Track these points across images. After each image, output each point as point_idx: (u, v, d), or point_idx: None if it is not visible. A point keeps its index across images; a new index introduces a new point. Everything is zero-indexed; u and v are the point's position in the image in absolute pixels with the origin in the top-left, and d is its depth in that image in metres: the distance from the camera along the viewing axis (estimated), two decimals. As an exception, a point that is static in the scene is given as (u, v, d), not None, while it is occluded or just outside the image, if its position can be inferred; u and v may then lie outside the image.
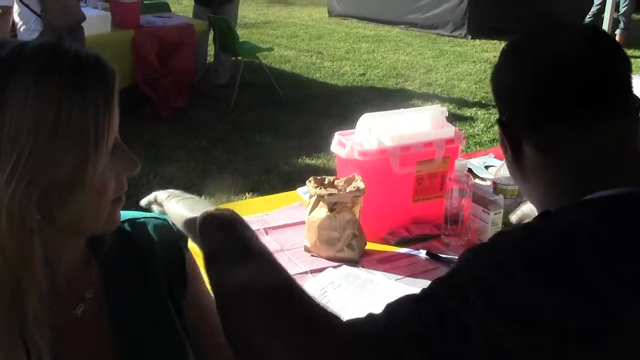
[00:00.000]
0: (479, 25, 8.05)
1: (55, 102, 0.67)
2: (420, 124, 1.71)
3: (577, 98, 0.77)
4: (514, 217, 1.47)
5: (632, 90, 0.80)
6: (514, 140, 0.82)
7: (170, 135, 4.63)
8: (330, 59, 7.20)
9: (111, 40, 4.60)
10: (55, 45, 0.70)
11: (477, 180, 1.83)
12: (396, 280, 1.45)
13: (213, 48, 5.91)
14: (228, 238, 0.81)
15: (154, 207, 0.98)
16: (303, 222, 1.58)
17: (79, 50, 0.71)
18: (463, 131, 2.76)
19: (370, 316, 0.72)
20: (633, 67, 0.82)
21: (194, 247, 1.54)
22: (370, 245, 1.57)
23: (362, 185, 1.51)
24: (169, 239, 0.91)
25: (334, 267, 1.49)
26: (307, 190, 1.56)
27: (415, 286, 1.41)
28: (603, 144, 0.77)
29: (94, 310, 0.82)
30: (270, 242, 1.60)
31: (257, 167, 4.15)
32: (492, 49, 7.62)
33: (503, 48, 0.86)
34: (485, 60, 7.10)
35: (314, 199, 1.53)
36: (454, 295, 0.68)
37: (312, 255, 1.54)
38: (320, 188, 1.52)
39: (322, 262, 1.51)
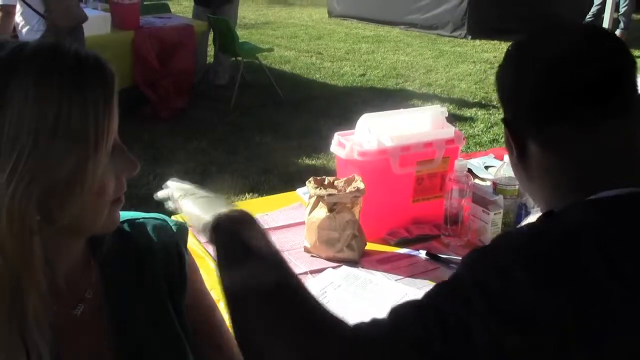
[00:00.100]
0: (478, 25, 8.05)
1: (55, 102, 0.67)
2: (420, 124, 1.71)
3: (578, 97, 0.77)
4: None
5: (637, 90, 0.80)
6: (519, 140, 0.82)
7: (170, 136, 4.63)
8: (330, 59, 7.20)
9: (111, 41, 4.61)
10: (55, 46, 0.71)
11: (477, 181, 1.83)
12: (396, 280, 1.45)
13: (213, 49, 5.92)
14: (231, 239, 0.81)
15: (169, 203, 0.97)
16: (303, 223, 1.58)
17: (78, 50, 0.71)
18: (463, 131, 2.76)
19: (374, 320, 0.72)
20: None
21: (193, 248, 1.55)
22: (370, 246, 1.57)
23: (361, 185, 1.51)
24: (168, 239, 0.91)
25: (334, 267, 1.49)
26: (307, 191, 1.56)
27: (415, 286, 1.41)
28: (608, 143, 0.77)
29: (93, 310, 0.82)
30: (270, 242, 1.60)
31: (257, 167, 4.15)
32: (492, 49, 7.62)
33: (507, 48, 0.87)
34: (485, 60, 7.10)
35: (313, 199, 1.53)
36: (456, 299, 0.68)
37: (311, 256, 1.54)
38: (320, 188, 1.52)
39: (321, 263, 1.51)
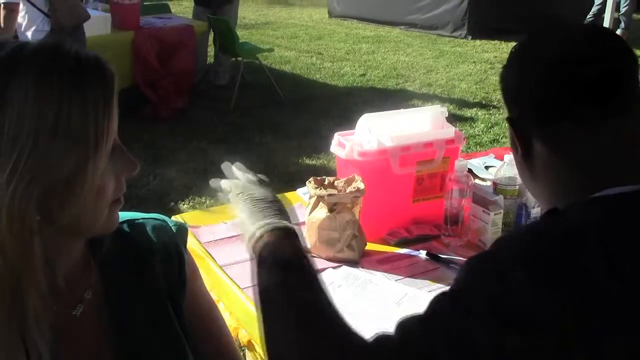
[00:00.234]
0: (479, 25, 8.05)
1: (55, 102, 0.67)
2: (420, 124, 1.71)
3: (580, 97, 0.78)
4: None
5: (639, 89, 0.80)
6: (523, 139, 0.83)
7: (170, 136, 4.63)
8: (330, 59, 7.20)
9: (111, 41, 4.61)
10: (55, 46, 0.71)
11: (477, 181, 1.83)
12: (396, 280, 1.45)
13: (213, 49, 5.92)
14: (268, 255, 0.82)
15: (221, 195, 0.96)
16: (303, 223, 1.58)
17: (78, 51, 0.71)
18: (463, 131, 2.77)
19: (383, 335, 0.73)
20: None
21: (193, 248, 1.55)
22: (370, 246, 1.57)
23: (362, 185, 1.51)
24: (168, 239, 0.90)
25: (334, 267, 1.49)
26: (307, 191, 1.56)
27: (416, 286, 1.41)
28: (610, 142, 0.77)
29: (93, 310, 0.82)
30: (270, 242, 1.60)
31: (257, 167, 4.09)
32: (492, 50, 7.62)
33: (511, 49, 0.87)
34: (486, 60, 7.10)
35: (313, 199, 1.53)
36: (457, 307, 0.69)
37: (312, 256, 1.54)
38: (320, 189, 1.52)
39: (322, 263, 1.51)
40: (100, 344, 0.82)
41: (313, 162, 4.27)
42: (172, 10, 6.31)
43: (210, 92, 5.72)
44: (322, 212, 1.51)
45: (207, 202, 3.61)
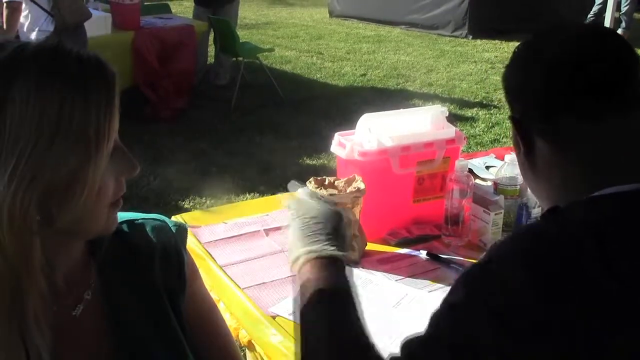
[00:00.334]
0: (479, 25, 8.05)
1: (57, 103, 0.67)
2: (420, 124, 1.71)
3: (582, 95, 0.78)
4: None
5: None
6: (526, 138, 0.83)
7: (170, 137, 4.63)
8: (330, 59, 7.20)
9: (111, 41, 4.61)
10: (56, 47, 0.71)
11: (477, 181, 1.82)
12: (396, 280, 1.44)
13: (213, 49, 5.92)
14: (308, 281, 0.84)
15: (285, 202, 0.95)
16: (303, 223, 1.58)
17: (80, 51, 0.71)
18: (464, 131, 2.75)
19: (392, 357, 0.74)
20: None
21: (193, 248, 1.55)
22: (370, 246, 1.57)
23: (362, 185, 1.50)
24: (168, 240, 0.90)
25: (334, 267, 1.49)
26: (307, 191, 1.56)
27: (416, 287, 1.41)
28: (612, 140, 0.78)
29: (92, 310, 0.82)
30: (270, 243, 1.60)
31: (257, 167, 4.15)
32: (493, 49, 7.62)
33: (515, 49, 0.88)
34: (486, 60, 7.10)
35: (314, 199, 1.52)
36: (460, 322, 0.70)
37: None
38: (321, 188, 1.52)
39: (322, 263, 1.51)
40: (100, 344, 0.82)
41: (313, 162, 4.27)
42: (173, 10, 6.31)
43: (210, 92, 5.72)
44: (322, 212, 1.50)
45: (207, 202, 3.61)
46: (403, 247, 1.59)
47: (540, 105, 0.81)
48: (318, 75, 6.53)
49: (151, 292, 0.87)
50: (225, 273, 1.46)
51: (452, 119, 2.86)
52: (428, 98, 5.75)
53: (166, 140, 4.55)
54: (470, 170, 1.75)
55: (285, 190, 1.95)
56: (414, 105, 5.25)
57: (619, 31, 7.78)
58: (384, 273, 1.47)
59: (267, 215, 1.74)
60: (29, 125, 0.66)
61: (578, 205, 0.75)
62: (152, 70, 4.81)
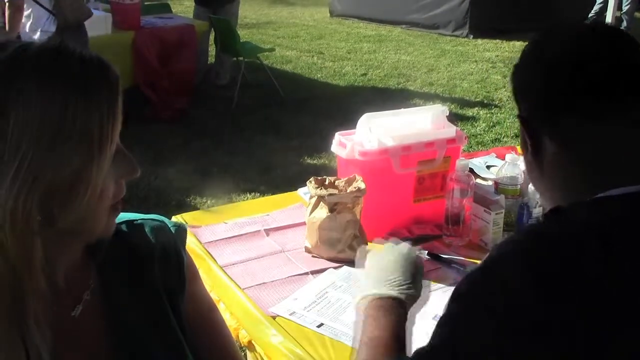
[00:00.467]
0: (480, 25, 8.04)
1: (59, 104, 0.67)
2: (421, 123, 1.71)
3: (589, 94, 0.77)
4: None
5: None
6: (534, 137, 0.82)
7: (170, 136, 4.63)
8: (331, 59, 7.20)
9: (112, 41, 4.61)
10: (58, 47, 0.70)
11: (478, 180, 1.82)
12: (397, 281, 1.44)
13: (214, 49, 5.91)
14: (364, 322, 0.90)
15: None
16: (304, 223, 1.58)
17: (82, 52, 0.71)
18: (465, 131, 2.74)
19: None
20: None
21: (193, 249, 1.55)
22: (371, 246, 1.56)
23: (362, 185, 1.50)
24: (167, 240, 0.90)
25: (335, 267, 1.49)
26: (308, 191, 1.56)
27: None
28: (618, 141, 0.77)
29: (92, 311, 0.82)
30: (271, 243, 1.60)
31: (257, 167, 4.14)
32: (493, 49, 7.61)
33: (523, 48, 0.87)
34: (487, 59, 7.09)
35: (314, 199, 1.52)
36: (462, 330, 0.70)
37: (312, 256, 1.53)
38: (321, 188, 1.52)
39: (322, 263, 1.50)
40: (100, 344, 0.81)
41: (314, 162, 4.26)
42: (173, 10, 6.31)
43: (211, 92, 5.71)
44: (322, 212, 1.50)
45: (208, 202, 3.61)
46: (404, 247, 1.58)
47: (543, 105, 0.81)
48: (319, 75, 6.52)
49: (150, 292, 0.87)
50: (226, 273, 1.46)
51: (453, 118, 2.86)
52: (429, 97, 5.74)
53: (166, 140, 4.55)
54: (471, 170, 1.75)
55: (286, 190, 1.95)
56: (415, 105, 5.25)
57: (620, 30, 7.77)
58: (385, 273, 1.47)
59: (268, 215, 1.73)
60: (32, 126, 0.66)
61: (581, 206, 0.75)
62: (152, 70, 4.81)
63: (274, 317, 1.30)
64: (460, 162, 1.59)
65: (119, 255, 0.85)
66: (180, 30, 5.06)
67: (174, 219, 1.65)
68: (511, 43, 7.70)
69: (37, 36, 3.63)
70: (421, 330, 0.97)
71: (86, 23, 3.93)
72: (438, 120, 1.71)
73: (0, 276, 0.66)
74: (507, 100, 5.61)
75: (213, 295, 1.34)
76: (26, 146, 0.65)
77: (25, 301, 0.67)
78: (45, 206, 0.68)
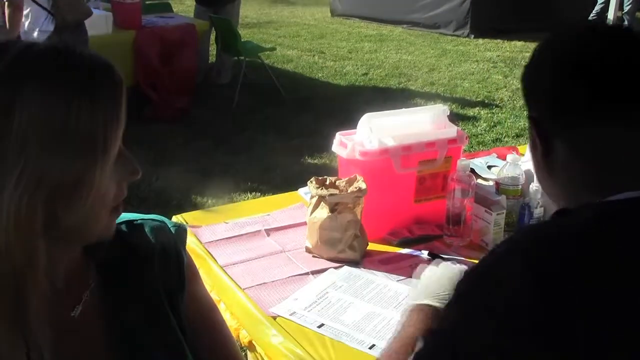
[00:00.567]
0: (481, 24, 8.04)
1: (64, 106, 0.67)
2: (422, 123, 1.70)
3: (601, 96, 0.76)
4: None
5: None
6: (545, 138, 0.82)
7: (171, 136, 4.62)
8: (332, 58, 7.19)
9: (112, 40, 4.61)
10: (63, 49, 0.70)
11: (479, 181, 1.82)
12: (398, 281, 1.44)
13: (215, 48, 5.91)
14: (402, 328, 0.96)
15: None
16: (304, 223, 1.58)
17: (87, 53, 0.71)
18: (465, 131, 2.72)
19: None
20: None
21: (193, 248, 1.55)
22: (371, 246, 1.57)
23: (363, 185, 1.50)
24: (167, 240, 0.90)
25: (335, 267, 1.49)
26: (309, 191, 1.56)
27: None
28: (630, 144, 0.76)
29: (91, 311, 0.81)
30: (271, 243, 1.60)
31: (258, 167, 4.14)
32: (494, 48, 7.60)
33: (534, 49, 0.87)
34: (488, 59, 7.09)
35: (315, 199, 1.52)
36: (461, 323, 0.70)
37: (313, 256, 1.53)
38: (322, 188, 1.52)
39: (323, 263, 1.50)
40: (99, 344, 0.81)
41: (314, 162, 4.26)
42: (174, 9, 6.31)
43: (211, 91, 5.71)
44: (323, 212, 1.50)
45: (208, 201, 3.60)
46: (404, 247, 1.58)
47: (554, 106, 0.80)
48: (320, 75, 6.52)
49: (150, 292, 0.86)
50: (226, 273, 1.46)
51: (454, 118, 2.86)
52: (430, 97, 5.74)
53: (167, 140, 4.54)
54: (472, 170, 1.74)
55: (287, 189, 1.95)
56: (416, 105, 5.24)
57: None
58: (386, 273, 1.47)
59: (269, 215, 1.73)
60: (36, 127, 0.65)
61: (587, 207, 0.74)
62: (153, 70, 4.81)
63: (274, 317, 1.30)
64: (462, 162, 1.58)
65: (119, 255, 0.85)
66: (181, 29, 5.06)
67: (174, 218, 1.65)
68: (512, 43, 7.70)
69: (35, 35, 3.62)
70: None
71: (87, 22, 3.92)
72: (439, 120, 1.71)
73: (4, 277, 0.66)
74: (508, 100, 5.61)
75: (213, 295, 1.34)
76: (30, 147, 0.65)
77: (28, 302, 0.67)
78: (48, 207, 0.68)
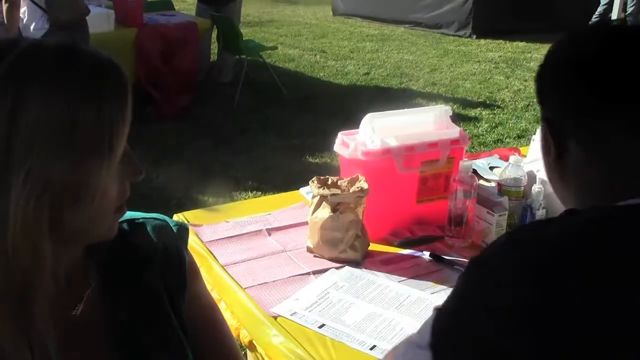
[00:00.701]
0: (483, 25, 8.04)
1: (71, 105, 0.66)
2: (424, 124, 1.70)
3: (617, 99, 0.75)
4: None
5: None
6: (558, 139, 0.81)
7: (172, 135, 4.62)
8: (334, 58, 7.19)
9: (114, 38, 4.60)
10: (71, 48, 0.70)
11: (481, 182, 1.81)
12: (399, 281, 1.43)
13: (216, 47, 5.91)
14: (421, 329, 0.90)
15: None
16: (306, 223, 1.57)
17: (93, 53, 0.71)
18: (467, 131, 2.71)
19: None
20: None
21: (194, 247, 1.54)
22: (373, 246, 1.56)
23: (365, 185, 1.50)
24: (168, 239, 0.90)
25: (337, 268, 1.48)
26: (310, 191, 1.55)
27: (419, 288, 1.40)
28: (623, 145, 0.75)
29: (92, 310, 0.81)
30: (272, 242, 1.59)
31: (259, 166, 4.14)
32: (496, 49, 7.60)
33: (549, 49, 0.86)
34: (490, 60, 7.08)
35: (316, 199, 1.51)
36: (461, 323, 0.69)
37: (314, 256, 1.53)
38: (324, 188, 1.51)
39: (324, 263, 1.50)
40: (100, 343, 0.81)
41: (316, 161, 4.26)
42: (176, 7, 6.30)
43: (213, 89, 5.71)
44: (325, 212, 1.49)
45: (210, 200, 3.60)
46: (406, 248, 1.58)
47: (568, 107, 0.79)
48: (321, 74, 6.52)
49: (151, 292, 0.86)
50: (227, 272, 1.45)
51: (456, 118, 2.84)
52: (431, 97, 5.73)
53: (168, 139, 4.54)
54: (474, 171, 1.74)
55: (288, 189, 1.95)
56: (417, 105, 5.24)
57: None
58: (387, 274, 1.46)
59: (270, 214, 1.73)
60: (43, 127, 0.65)
61: (593, 211, 0.74)
62: (154, 68, 4.80)
63: (275, 317, 1.30)
64: (464, 163, 1.58)
65: (120, 254, 0.85)
66: (182, 27, 5.05)
67: (176, 217, 1.65)
68: (514, 43, 7.69)
69: (30, 33, 3.61)
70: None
71: (88, 19, 3.91)
72: (441, 121, 1.70)
73: (10, 277, 0.66)
74: (510, 101, 5.61)
75: (214, 295, 1.34)
76: (37, 148, 0.65)
77: (33, 302, 0.67)
78: (55, 208, 0.67)
